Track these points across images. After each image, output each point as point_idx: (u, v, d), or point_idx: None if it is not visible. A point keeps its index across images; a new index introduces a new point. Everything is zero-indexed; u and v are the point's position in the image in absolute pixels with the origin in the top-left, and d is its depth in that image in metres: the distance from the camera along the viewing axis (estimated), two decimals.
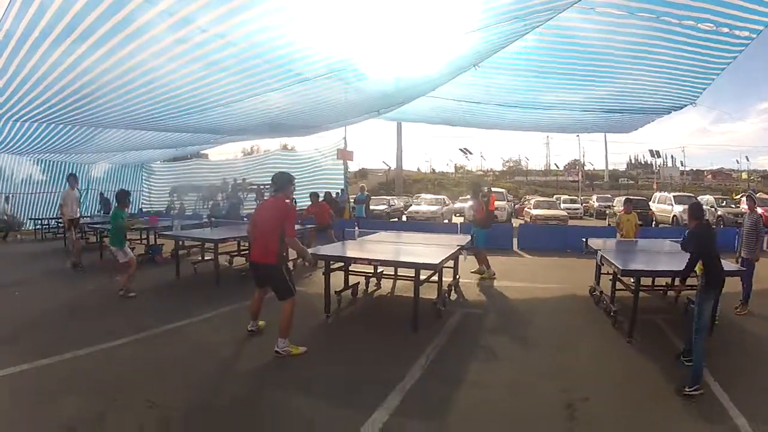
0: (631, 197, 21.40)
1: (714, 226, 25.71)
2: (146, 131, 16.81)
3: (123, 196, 11.43)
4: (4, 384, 6.11)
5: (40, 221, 22.94)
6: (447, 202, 38.16)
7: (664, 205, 31.65)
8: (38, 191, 25.76)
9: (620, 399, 6.18)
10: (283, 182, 7.94)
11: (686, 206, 25.10)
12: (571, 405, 5.88)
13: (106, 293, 11.12)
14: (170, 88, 10.22)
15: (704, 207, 27.61)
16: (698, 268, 6.91)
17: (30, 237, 22.42)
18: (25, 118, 12.38)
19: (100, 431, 5.05)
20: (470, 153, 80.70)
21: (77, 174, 27.51)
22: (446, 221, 31.66)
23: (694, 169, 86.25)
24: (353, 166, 53.49)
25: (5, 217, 22.23)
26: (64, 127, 14.77)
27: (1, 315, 8.15)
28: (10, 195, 23.61)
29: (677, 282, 8.18)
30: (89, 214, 24.80)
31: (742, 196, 32.70)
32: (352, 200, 27.60)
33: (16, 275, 12.79)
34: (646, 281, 9.65)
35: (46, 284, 11.99)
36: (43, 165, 25.78)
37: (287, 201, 8.01)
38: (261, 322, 8.47)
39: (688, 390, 6.17)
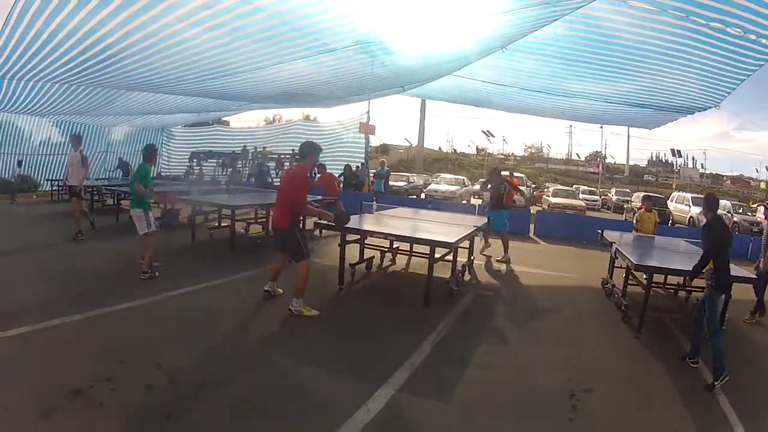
0: (651, 195, 21.20)
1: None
2: (168, 95, 16.79)
3: (149, 151, 10.18)
4: (13, 344, 6.11)
5: (57, 182, 22.81)
6: (466, 183, 38.05)
7: (682, 206, 31.32)
8: (56, 152, 25.70)
9: (622, 394, 6.15)
10: (308, 151, 8.05)
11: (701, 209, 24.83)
12: (574, 395, 5.86)
13: (120, 256, 11.15)
14: (194, 52, 10.22)
15: (722, 212, 27.61)
16: (708, 267, 6.88)
17: (47, 198, 22.35)
18: (46, 79, 12.41)
19: (107, 392, 5.04)
20: (492, 136, 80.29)
21: (97, 136, 27.87)
22: (464, 202, 31.58)
23: (714, 172, 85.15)
24: (374, 141, 53.37)
25: (14, 180, 22.23)
26: (85, 88, 14.80)
27: (12, 276, 8.14)
28: (23, 157, 23.61)
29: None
30: (106, 177, 24.96)
31: (759, 205, 32.46)
32: (372, 174, 27.54)
33: (31, 236, 12.78)
34: (658, 279, 9.56)
35: (60, 246, 11.97)
36: (62, 126, 25.68)
37: (304, 169, 8.14)
38: (279, 289, 8.61)
39: (716, 383, 6.26)
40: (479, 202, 27.82)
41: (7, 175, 22.69)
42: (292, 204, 7.80)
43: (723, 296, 6.93)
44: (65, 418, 4.51)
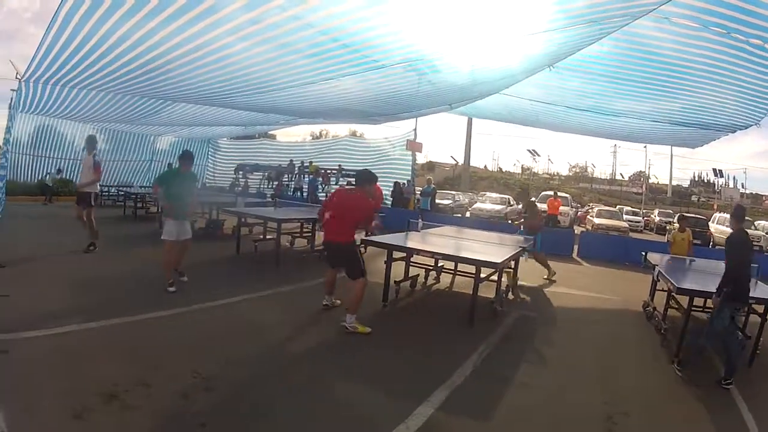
0: (687, 215, 20.93)
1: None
2: (215, 107, 16.98)
3: (186, 157, 9.77)
4: (50, 344, 6.20)
5: (99, 188, 23.06)
6: (512, 202, 37.87)
7: (723, 227, 30.72)
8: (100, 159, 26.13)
9: (658, 418, 6.07)
10: (365, 179, 8.33)
11: None
12: (610, 418, 5.82)
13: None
14: (243, 66, 10.30)
15: (761, 233, 27.17)
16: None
17: None
18: (90, 86, 12.61)
19: (142, 397, 5.10)
20: (538, 155, 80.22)
21: (142, 144, 28.30)
22: (510, 221, 31.46)
23: (754, 192, 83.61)
24: (421, 158, 53.34)
25: (51, 184, 22.71)
26: (132, 97, 14.99)
27: (53, 277, 8.25)
28: (64, 163, 24.07)
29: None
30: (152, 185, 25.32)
31: None
32: (418, 192, 27.56)
33: (77, 239, 12.96)
34: (698, 302, 9.42)
35: (102, 250, 12.16)
36: (106, 133, 26.27)
37: (369, 198, 8.47)
38: (337, 301, 8.93)
39: (724, 383, 6.92)
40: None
41: (45, 178, 23.17)
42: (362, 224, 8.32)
43: (731, 309, 7.17)
44: (100, 421, 4.58)
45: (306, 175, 31.07)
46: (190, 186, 9.84)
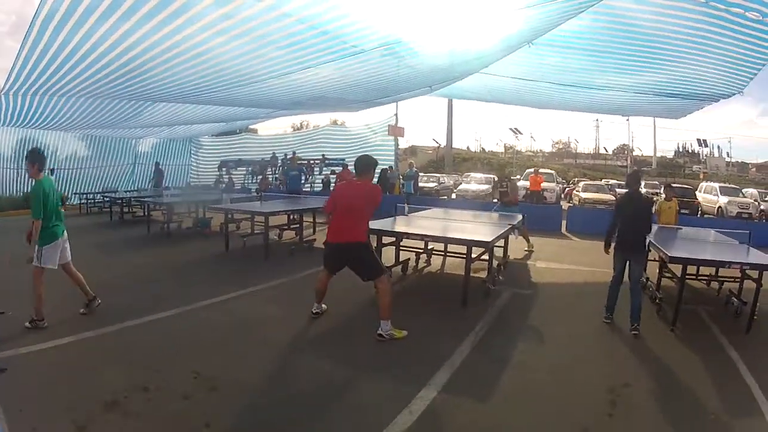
0: (674, 184, 21.00)
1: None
2: (195, 105, 16.90)
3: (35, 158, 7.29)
4: (50, 356, 6.17)
5: (84, 196, 23.22)
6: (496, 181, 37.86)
7: (710, 196, 30.85)
8: (82, 167, 26.17)
9: (660, 387, 6.07)
10: (366, 166, 7.71)
11: (731, 198, 24.51)
12: (612, 390, 5.83)
13: (153, 266, 11.31)
14: (220, 60, 10.25)
15: (748, 200, 27.28)
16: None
17: (75, 212, 22.45)
18: (70, 93, 12.51)
19: (143, 402, 5.07)
20: (520, 133, 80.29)
21: (124, 148, 28.23)
22: (495, 200, 31.46)
23: (740, 161, 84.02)
24: (403, 143, 53.31)
25: None
26: (111, 101, 14.91)
27: (48, 287, 8.11)
28: (57, 168, 23.92)
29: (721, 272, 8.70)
30: (136, 188, 25.90)
31: None
32: (402, 177, 27.57)
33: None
34: (691, 270, 9.43)
35: (92, 257, 12.04)
36: (87, 140, 26.15)
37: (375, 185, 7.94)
38: (324, 305, 8.17)
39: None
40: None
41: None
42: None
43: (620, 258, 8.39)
44: (102, 430, 4.55)
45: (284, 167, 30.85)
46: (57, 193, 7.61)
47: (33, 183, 7.22)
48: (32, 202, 6.99)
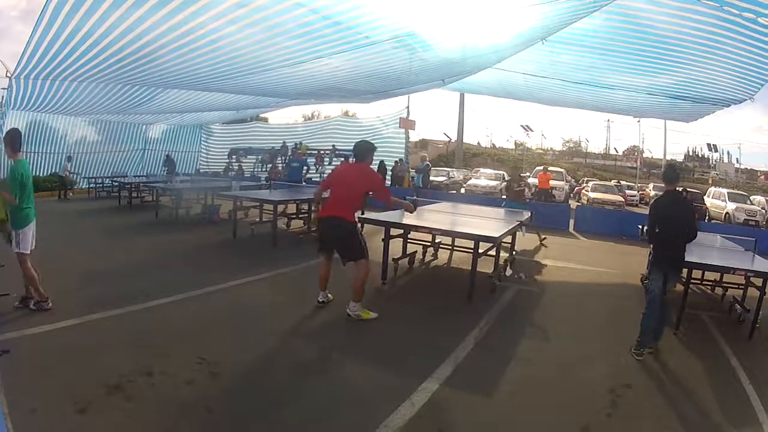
0: (686, 189, 20.97)
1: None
2: (206, 92, 16.97)
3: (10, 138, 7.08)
4: (54, 338, 6.17)
5: (94, 180, 23.22)
6: (506, 178, 37.85)
7: (718, 201, 30.67)
8: (92, 151, 26.24)
9: (660, 389, 6.09)
10: (365, 151, 7.81)
11: (739, 204, 24.38)
12: (613, 390, 5.84)
13: (160, 251, 11.34)
14: (232, 49, 10.29)
15: (755, 207, 27.17)
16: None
17: (83, 196, 22.66)
18: (81, 78, 12.54)
19: (147, 386, 5.08)
20: (531, 130, 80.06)
21: (134, 134, 28.27)
22: (505, 197, 31.40)
23: (749, 167, 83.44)
24: (414, 136, 53.22)
25: (66, 174, 22.49)
26: (122, 87, 14.95)
27: (52, 272, 8.14)
28: (72, 154, 23.93)
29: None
30: (145, 174, 25.79)
31: None
32: (413, 170, 27.53)
33: (73, 231, 12.96)
34: (696, 275, 9.40)
35: (101, 241, 12.19)
36: (97, 125, 26.23)
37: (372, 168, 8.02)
38: (330, 295, 8.14)
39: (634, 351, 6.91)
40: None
41: (62, 170, 22.94)
42: (376, 196, 7.76)
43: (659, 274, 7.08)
44: (105, 413, 4.56)
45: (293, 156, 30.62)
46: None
47: (11, 164, 7.03)
48: (9, 182, 6.87)
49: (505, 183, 16.79)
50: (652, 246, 7.34)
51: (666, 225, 6.98)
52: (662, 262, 7.09)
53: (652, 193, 43.70)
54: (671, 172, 7.51)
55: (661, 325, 7.10)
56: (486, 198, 23.87)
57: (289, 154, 30.26)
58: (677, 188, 7.36)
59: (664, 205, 7.11)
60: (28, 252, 6.98)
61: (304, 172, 19.65)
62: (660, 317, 7.04)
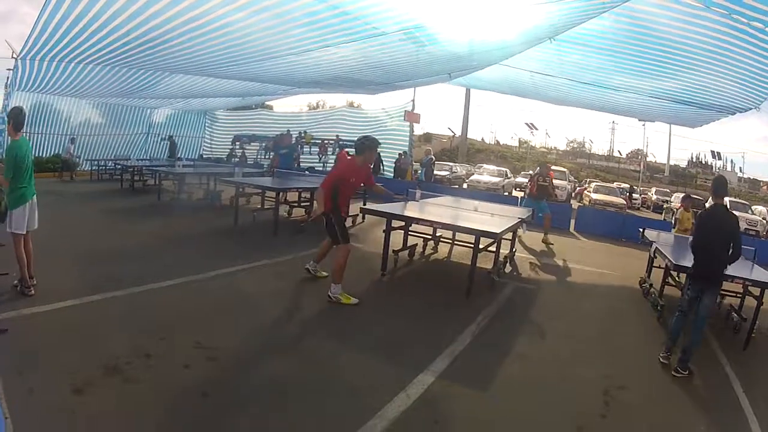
0: (691, 195, 20.98)
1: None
2: (212, 78, 16.95)
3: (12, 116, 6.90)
4: (53, 319, 6.18)
5: (96, 162, 23.35)
6: (509, 175, 37.88)
7: None
8: (95, 133, 26.17)
9: (654, 393, 6.13)
10: (365, 147, 7.93)
11: (740, 213, 24.15)
12: (607, 391, 5.86)
13: (161, 235, 11.34)
14: (239, 35, 10.29)
15: (756, 217, 27.12)
16: None
17: (86, 178, 22.61)
18: (87, 61, 12.53)
19: (144, 369, 5.09)
20: (536, 128, 79.87)
21: (139, 117, 28.19)
22: (506, 194, 31.39)
23: (752, 177, 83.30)
24: (418, 130, 53.19)
25: (69, 156, 22.44)
26: (127, 71, 14.98)
27: (52, 253, 8.12)
28: (75, 136, 23.90)
29: None
30: (148, 158, 26.02)
31: None
32: (417, 163, 27.49)
33: (74, 213, 12.97)
34: None
35: (100, 223, 12.19)
36: (101, 108, 26.12)
37: (354, 160, 8.09)
38: (323, 273, 8.53)
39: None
40: (521, 194, 27.56)
41: (65, 152, 22.90)
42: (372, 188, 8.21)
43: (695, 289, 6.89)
44: (100, 394, 4.57)
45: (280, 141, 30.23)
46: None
47: (9, 142, 6.91)
48: (5, 161, 6.78)
49: (533, 177, 16.37)
50: (694, 258, 6.93)
51: (711, 239, 6.73)
52: (699, 275, 6.88)
53: (654, 197, 43.73)
54: (721, 185, 7.11)
55: (689, 344, 6.64)
56: (489, 194, 23.85)
57: (301, 141, 30.29)
58: (725, 202, 7.07)
59: (712, 217, 6.87)
60: (22, 233, 6.85)
61: (295, 155, 19.60)
62: (692, 334, 6.75)
